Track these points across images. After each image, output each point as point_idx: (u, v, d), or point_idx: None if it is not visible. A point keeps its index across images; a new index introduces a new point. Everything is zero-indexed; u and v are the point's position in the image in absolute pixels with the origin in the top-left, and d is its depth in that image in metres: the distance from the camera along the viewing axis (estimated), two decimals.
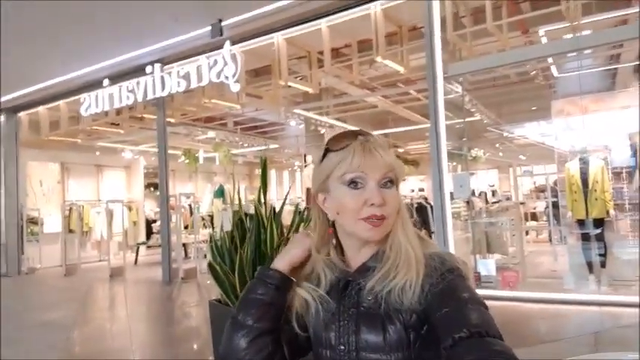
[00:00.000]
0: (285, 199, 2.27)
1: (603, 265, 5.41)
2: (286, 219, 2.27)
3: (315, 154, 9.33)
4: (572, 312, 4.69)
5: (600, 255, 5.38)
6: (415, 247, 0.87)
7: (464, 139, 6.41)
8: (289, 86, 6.86)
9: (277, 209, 2.13)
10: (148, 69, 7.29)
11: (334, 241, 0.95)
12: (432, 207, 5.39)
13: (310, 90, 6.98)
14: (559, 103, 6.54)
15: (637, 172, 5.32)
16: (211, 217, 10.73)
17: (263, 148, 11.39)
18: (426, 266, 0.85)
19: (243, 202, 2.24)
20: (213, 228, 10.39)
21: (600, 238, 5.41)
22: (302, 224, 2.16)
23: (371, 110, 9.00)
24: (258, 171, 15.22)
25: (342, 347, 0.86)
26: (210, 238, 2.09)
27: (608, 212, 5.46)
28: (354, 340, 0.86)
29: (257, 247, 1.95)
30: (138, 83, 7.51)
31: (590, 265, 5.44)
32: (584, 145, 5.74)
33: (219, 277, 1.94)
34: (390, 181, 0.88)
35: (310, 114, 8.81)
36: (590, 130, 5.93)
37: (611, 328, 4.08)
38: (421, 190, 14.54)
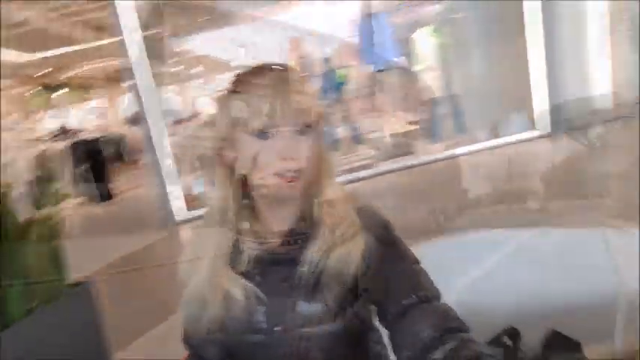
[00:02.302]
0: None
1: None
2: None
3: None
4: None
5: None
6: (347, 205, 0.81)
7: None
8: None
9: None
10: None
11: (245, 201, 0.83)
12: None
13: None
14: None
15: None
16: None
17: None
18: (360, 226, 0.79)
19: None
20: None
21: None
22: None
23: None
24: None
25: (278, 328, 0.78)
26: None
27: None
28: (291, 317, 0.77)
29: None
30: None
31: None
32: None
33: None
34: (308, 126, 0.77)
35: None
36: None
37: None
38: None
